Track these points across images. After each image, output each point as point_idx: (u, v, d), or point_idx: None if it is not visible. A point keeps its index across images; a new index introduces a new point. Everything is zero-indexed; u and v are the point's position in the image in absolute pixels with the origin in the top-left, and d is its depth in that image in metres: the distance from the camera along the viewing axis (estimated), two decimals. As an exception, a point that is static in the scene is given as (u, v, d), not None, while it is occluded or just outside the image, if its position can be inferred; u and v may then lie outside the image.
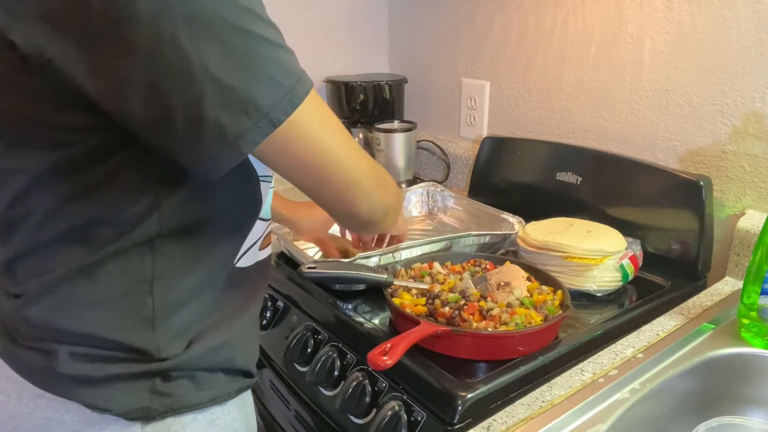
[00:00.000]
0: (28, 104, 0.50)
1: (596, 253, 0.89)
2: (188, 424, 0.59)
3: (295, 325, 0.94)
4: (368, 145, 1.53)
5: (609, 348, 0.78)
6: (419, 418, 0.70)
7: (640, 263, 0.94)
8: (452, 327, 0.73)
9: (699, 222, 0.95)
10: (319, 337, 0.90)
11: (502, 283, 0.84)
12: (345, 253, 1.00)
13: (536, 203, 1.19)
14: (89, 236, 0.54)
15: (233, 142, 0.49)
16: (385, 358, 0.67)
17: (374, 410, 0.75)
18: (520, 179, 1.26)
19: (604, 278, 0.91)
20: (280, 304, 1.02)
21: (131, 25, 0.44)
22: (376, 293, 0.88)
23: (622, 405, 0.65)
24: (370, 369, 0.78)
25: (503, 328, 0.75)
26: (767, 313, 0.74)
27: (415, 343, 0.71)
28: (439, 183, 1.37)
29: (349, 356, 0.83)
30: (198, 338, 0.60)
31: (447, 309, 0.77)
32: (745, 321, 0.76)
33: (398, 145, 1.43)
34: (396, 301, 0.82)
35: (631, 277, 0.93)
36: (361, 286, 0.92)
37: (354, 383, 0.77)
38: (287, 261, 1.05)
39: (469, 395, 0.67)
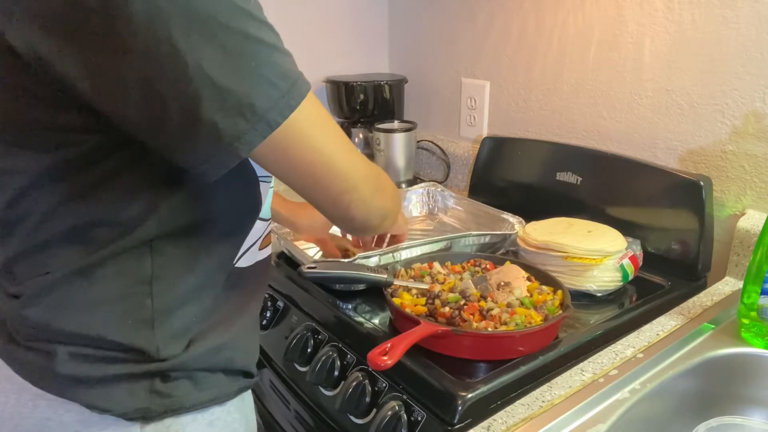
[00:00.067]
0: (26, 105, 0.50)
1: (596, 253, 0.89)
2: (188, 425, 0.59)
3: (295, 325, 0.94)
4: (368, 145, 1.53)
5: (609, 348, 0.78)
6: (419, 418, 0.70)
7: (640, 263, 0.94)
8: (452, 327, 0.73)
9: (699, 222, 0.95)
10: (319, 337, 0.90)
11: (502, 283, 0.84)
12: (345, 253, 1.00)
13: (536, 203, 1.19)
14: (88, 237, 0.54)
15: (229, 144, 0.49)
16: (385, 358, 0.67)
17: (374, 410, 0.75)
18: (520, 179, 1.26)
19: (604, 278, 0.91)
20: (280, 304, 1.02)
21: (127, 26, 0.44)
22: (376, 293, 0.88)
23: (622, 405, 0.65)
24: (370, 369, 0.78)
25: (503, 328, 0.75)
26: (767, 313, 0.74)
27: (415, 343, 0.71)
28: (439, 183, 1.37)
29: (349, 356, 0.83)
30: (197, 338, 0.60)
31: (447, 309, 0.77)
32: (745, 321, 0.76)
33: (398, 145, 1.43)
34: (396, 301, 0.82)
35: (631, 277, 0.93)
36: (361, 286, 0.92)
37: (354, 383, 0.77)
38: (287, 261, 1.05)
39: (469, 395, 0.67)
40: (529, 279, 0.87)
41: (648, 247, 0.99)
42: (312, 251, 1.07)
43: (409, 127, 1.45)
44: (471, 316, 0.76)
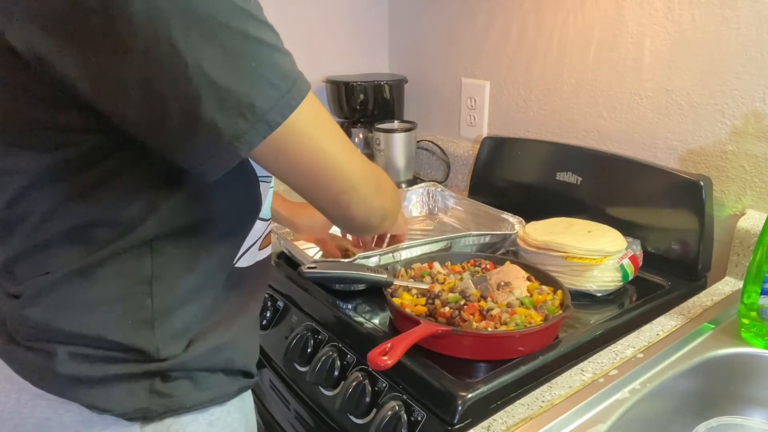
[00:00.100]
0: (26, 105, 0.50)
1: (596, 253, 0.89)
2: (188, 425, 0.59)
3: (295, 325, 0.94)
4: (368, 145, 1.53)
5: (609, 348, 0.78)
6: (419, 418, 0.70)
7: (640, 263, 0.94)
8: (452, 327, 0.73)
9: (699, 222, 0.95)
10: (319, 337, 0.90)
11: (502, 283, 0.84)
12: (345, 253, 1.00)
13: (536, 203, 1.19)
14: (88, 237, 0.54)
15: (229, 144, 0.49)
16: (385, 358, 0.67)
17: (374, 410, 0.75)
18: (520, 179, 1.26)
19: (604, 278, 0.91)
20: (280, 304, 1.02)
21: (127, 26, 0.44)
22: (376, 293, 0.88)
23: (622, 405, 0.65)
24: (370, 369, 0.78)
25: (503, 328, 0.75)
26: (767, 313, 0.74)
27: (415, 343, 0.71)
28: (439, 183, 1.37)
29: (349, 356, 0.83)
30: (197, 338, 0.60)
31: (447, 309, 0.77)
32: (745, 321, 0.76)
33: (398, 145, 1.43)
34: (396, 301, 0.82)
35: (631, 277, 0.93)
36: (361, 286, 0.92)
37: (354, 383, 0.77)
38: (287, 261, 1.05)
39: (469, 395, 0.67)
40: (529, 279, 0.87)
41: (648, 247, 0.99)
42: (312, 251, 1.07)
43: (409, 127, 1.45)
44: (471, 316, 0.76)
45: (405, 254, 0.96)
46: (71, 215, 0.53)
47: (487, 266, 0.93)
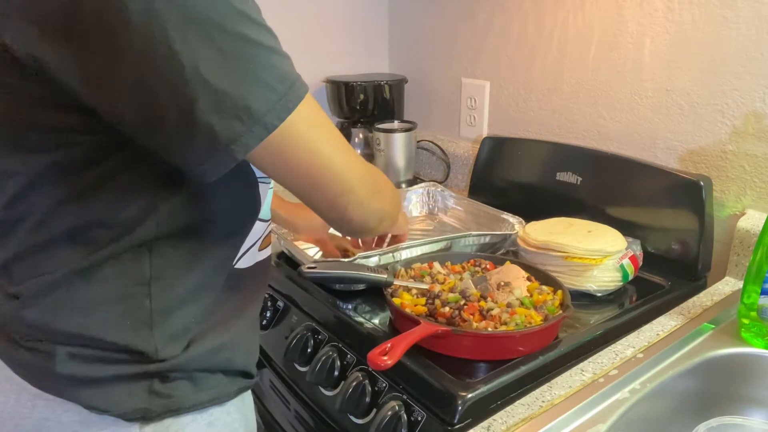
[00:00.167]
0: (25, 106, 0.50)
1: (596, 253, 0.89)
2: (187, 425, 0.59)
3: (295, 325, 0.94)
4: (368, 145, 1.53)
5: (609, 348, 0.78)
6: (419, 418, 0.70)
7: (640, 263, 0.94)
8: (452, 327, 0.73)
9: (699, 222, 0.95)
10: (319, 337, 0.90)
11: (502, 283, 0.84)
12: (345, 254, 1.00)
13: (536, 203, 1.19)
14: (86, 238, 0.54)
15: (226, 146, 0.49)
16: (385, 358, 0.67)
17: (374, 410, 0.75)
18: (520, 179, 1.26)
19: (604, 278, 0.91)
20: (280, 304, 1.02)
21: (124, 28, 0.44)
22: (376, 293, 0.88)
23: (622, 405, 0.65)
24: (370, 369, 0.78)
25: (503, 328, 0.75)
26: (767, 313, 0.74)
27: (415, 343, 0.71)
28: (439, 183, 1.37)
29: (349, 356, 0.83)
30: (197, 339, 0.60)
31: (447, 309, 0.77)
32: (745, 321, 0.76)
33: (398, 145, 1.43)
34: (396, 301, 0.82)
35: (631, 277, 0.93)
36: (361, 286, 0.92)
37: (354, 383, 0.77)
38: (287, 261, 1.05)
39: (469, 395, 0.67)
40: (529, 279, 0.87)
41: (648, 247, 0.99)
42: (312, 251, 1.07)
43: (409, 127, 1.45)
44: (471, 316, 0.76)
45: (405, 254, 0.96)
46: (70, 216, 0.53)
47: (487, 266, 0.93)
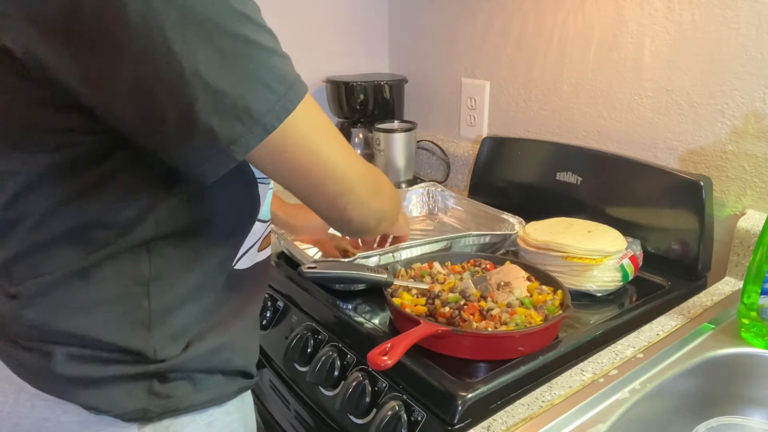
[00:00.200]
0: (24, 106, 0.49)
1: (596, 253, 0.89)
2: (186, 426, 0.59)
3: (295, 325, 0.94)
4: (368, 145, 1.53)
5: (609, 348, 0.78)
6: (419, 418, 0.70)
7: (640, 263, 0.94)
8: (452, 327, 0.73)
9: (699, 222, 0.95)
10: (319, 337, 0.90)
11: (502, 283, 0.84)
12: (344, 254, 1.00)
13: (536, 203, 1.19)
14: (86, 238, 0.54)
15: (225, 147, 0.49)
16: (385, 358, 0.67)
17: (374, 410, 0.75)
18: (520, 179, 1.26)
19: (604, 278, 0.91)
20: (280, 304, 1.02)
21: (123, 29, 0.44)
22: (376, 293, 0.88)
23: (622, 405, 0.65)
24: (370, 369, 0.78)
25: (503, 328, 0.75)
26: (767, 313, 0.74)
27: (415, 343, 0.71)
28: (439, 183, 1.37)
29: (349, 356, 0.83)
30: (196, 340, 0.60)
31: (447, 309, 0.77)
32: (745, 321, 0.76)
33: (398, 145, 1.43)
34: (396, 301, 0.82)
35: (631, 277, 0.93)
36: (361, 286, 0.92)
37: (354, 383, 0.77)
38: (287, 261, 1.05)
39: (469, 395, 0.67)
40: (529, 279, 0.87)
41: (648, 247, 0.99)
42: (312, 251, 1.07)
43: (409, 127, 1.45)
44: (471, 316, 0.76)
45: (405, 254, 0.96)
46: (70, 216, 0.53)
47: (487, 266, 0.93)
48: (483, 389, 0.68)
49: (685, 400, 0.73)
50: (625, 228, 0.97)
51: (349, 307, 0.89)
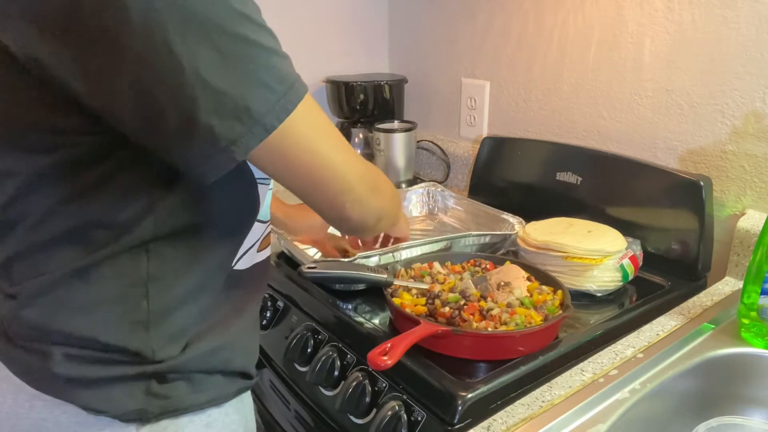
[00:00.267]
0: (24, 107, 0.49)
1: (596, 253, 0.89)
2: (185, 426, 0.59)
3: (295, 325, 0.94)
4: (368, 145, 1.53)
5: (609, 348, 0.78)
6: (419, 418, 0.70)
7: (640, 263, 0.94)
8: (452, 327, 0.73)
9: (699, 222, 0.95)
10: (319, 337, 0.90)
11: (502, 283, 0.84)
12: (344, 254, 1.00)
13: (536, 203, 1.19)
14: (85, 238, 0.54)
15: (226, 147, 0.49)
16: (385, 358, 0.67)
17: (374, 410, 0.75)
18: (520, 179, 1.26)
19: (604, 278, 0.91)
20: (280, 304, 1.02)
21: (123, 29, 0.44)
22: (376, 293, 0.88)
23: (622, 405, 0.65)
24: (370, 369, 0.78)
25: (503, 328, 0.75)
26: (767, 313, 0.74)
27: (415, 343, 0.71)
28: (439, 183, 1.37)
29: (349, 356, 0.83)
30: (195, 340, 0.60)
31: (447, 309, 0.77)
32: (745, 321, 0.76)
33: (398, 145, 1.43)
34: (396, 301, 0.82)
35: (631, 277, 0.92)
36: (361, 286, 0.92)
37: (354, 383, 0.77)
38: (287, 261, 1.05)
39: (469, 395, 0.67)
40: (529, 279, 0.87)
41: (648, 247, 0.99)
42: (312, 251, 1.07)
43: (409, 127, 1.45)
44: (471, 316, 0.76)
45: (405, 254, 0.96)
46: (69, 216, 0.53)
47: (487, 266, 0.93)
48: (483, 389, 0.68)
49: (685, 400, 0.73)
50: (625, 228, 0.97)
51: (349, 307, 0.89)
